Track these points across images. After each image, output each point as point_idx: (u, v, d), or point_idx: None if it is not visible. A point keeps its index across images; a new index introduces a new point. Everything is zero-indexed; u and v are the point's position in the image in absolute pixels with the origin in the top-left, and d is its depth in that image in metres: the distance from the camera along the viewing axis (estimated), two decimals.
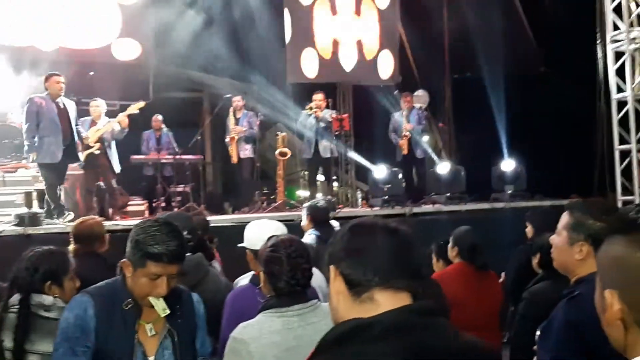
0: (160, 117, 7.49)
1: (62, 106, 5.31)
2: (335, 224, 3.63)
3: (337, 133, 7.18)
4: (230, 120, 7.15)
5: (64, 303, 1.99)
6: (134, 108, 6.13)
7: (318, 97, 6.99)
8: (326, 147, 6.91)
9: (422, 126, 7.31)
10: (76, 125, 5.42)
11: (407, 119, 7.21)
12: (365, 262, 1.07)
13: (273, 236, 1.98)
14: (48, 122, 5.18)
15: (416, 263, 1.10)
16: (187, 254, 1.88)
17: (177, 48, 7.25)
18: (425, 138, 7.46)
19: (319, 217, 3.50)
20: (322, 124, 6.87)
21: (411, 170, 7.27)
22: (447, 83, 8.64)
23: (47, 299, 2.03)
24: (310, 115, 6.80)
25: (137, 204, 6.71)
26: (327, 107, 7.02)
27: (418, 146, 7.30)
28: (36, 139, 5.14)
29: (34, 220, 4.69)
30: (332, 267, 1.11)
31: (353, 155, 7.72)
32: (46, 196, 5.25)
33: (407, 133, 7.13)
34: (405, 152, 7.19)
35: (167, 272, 1.68)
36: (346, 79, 8.25)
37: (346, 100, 8.58)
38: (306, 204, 3.74)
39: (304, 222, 3.58)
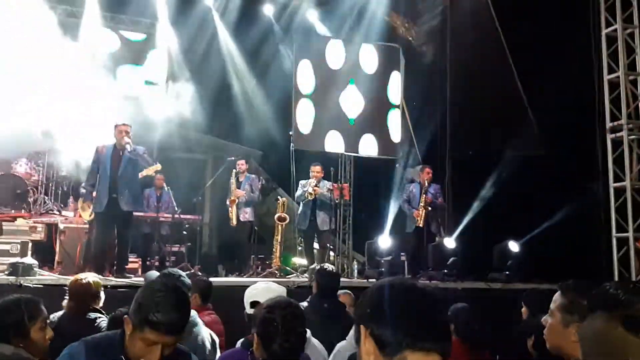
0: (161, 176, 7.65)
1: (120, 154, 5.48)
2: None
3: (337, 201, 7.33)
4: (233, 183, 7.26)
5: (27, 354, 1.94)
6: (151, 170, 6.18)
7: (316, 169, 7.08)
8: (324, 220, 6.98)
9: (439, 201, 7.26)
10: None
11: (425, 192, 7.13)
12: (396, 323, 1.06)
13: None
14: (102, 171, 5.44)
15: (445, 324, 1.10)
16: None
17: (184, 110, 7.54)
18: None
19: (327, 284, 3.32)
20: (321, 199, 6.99)
21: (420, 243, 7.11)
22: (447, 161, 8.82)
23: (8, 349, 1.96)
24: (305, 191, 6.92)
25: (131, 261, 6.63)
26: (326, 178, 7.19)
27: (434, 220, 7.22)
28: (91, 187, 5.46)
29: (27, 270, 4.73)
30: (362, 328, 1.10)
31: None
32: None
33: (425, 205, 7.04)
34: (420, 224, 7.05)
35: (164, 341, 1.66)
36: (349, 150, 8.42)
37: (347, 170, 8.72)
38: (313, 266, 3.59)
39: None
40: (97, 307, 3.04)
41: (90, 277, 3.17)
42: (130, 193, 5.52)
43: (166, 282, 1.79)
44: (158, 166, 6.19)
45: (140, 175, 5.82)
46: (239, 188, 7.24)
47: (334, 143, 8.09)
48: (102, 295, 3.14)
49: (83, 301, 2.93)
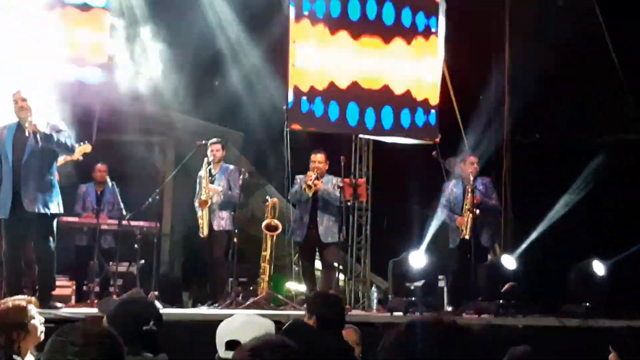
0: (104, 167, 7.68)
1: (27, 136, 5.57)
2: None
3: (348, 203, 7.35)
4: (204, 177, 7.22)
5: None
6: (78, 154, 6.28)
7: (318, 159, 7.16)
8: (329, 229, 7.07)
9: (492, 202, 7.31)
10: None
11: (471, 190, 7.13)
12: None
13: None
14: (4, 160, 5.67)
15: None
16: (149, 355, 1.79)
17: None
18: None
19: (328, 317, 3.38)
20: (324, 199, 7.10)
21: (466, 262, 7.17)
22: (506, 147, 8.86)
23: None
24: (303, 187, 7.02)
25: (60, 286, 6.74)
26: (333, 171, 7.30)
27: (486, 230, 7.27)
28: None
29: None
30: None
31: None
32: None
33: (472, 208, 7.05)
34: (466, 235, 7.09)
35: None
36: (367, 133, 8.51)
37: (364, 160, 8.76)
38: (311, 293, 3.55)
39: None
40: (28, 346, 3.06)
41: (11, 301, 3.24)
42: (38, 188, 5.47)
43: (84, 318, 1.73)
44: (86, 147, 6.21)
45: (58, 162, 5.82)
46: (212, 184, 7.25)
47: (345, 122, 8.21)
48: (38, 325, 3.19)
49: (7, 335, 3.00)
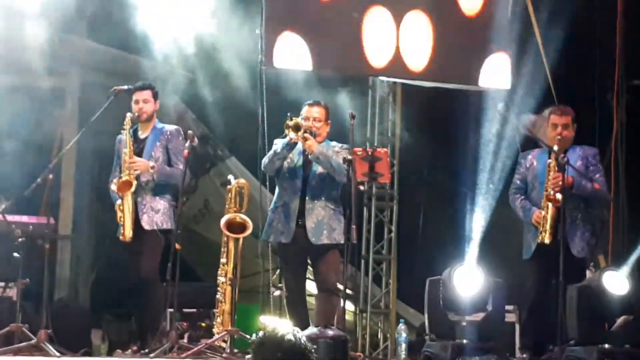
0: None
1: None
2: None
3: (362, 187, 7.43)
4: (126, 142, 7.25)
5: None
6: None
7: (314, 113, 7.28)
8: (325, 222, 7.14)
9: (592, 186, 7.33)
10: None
11: (557, 164, 7.20)
12: None
13: None
14: None
15: None
16: None
17: None
18: None
19: None
20: (318, 171, 7.21)
21: (547, 282, 7.29)
22: (618, 97, 8.94)
23: None
24: (288, 144, 7.11)
25: None
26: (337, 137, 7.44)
27: (580, 232, 7.33)
28: None
29: None
30: None
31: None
32: None
33: (555, 197, 7.12)
34: (546, 238, 7.17)
35: None
36: (392, 75, 8.59)
37: (386, 119, 8.93)
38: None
39: None
40: None
41: None
42: None
43: None
44: None
45: None
46: (139, 155, 7.27)
47: (358, 53, 8.43)
48: None
49: None
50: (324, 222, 7.15)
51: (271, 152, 7.31)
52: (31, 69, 8.51)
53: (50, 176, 7.18)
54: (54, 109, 9.19)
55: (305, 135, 6.99)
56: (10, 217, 7.40)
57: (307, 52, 8.42)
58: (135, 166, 7.15)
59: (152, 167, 7.19)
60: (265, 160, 7.37)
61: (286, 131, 7.01)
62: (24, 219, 7.56)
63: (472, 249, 7.47)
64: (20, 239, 7.28)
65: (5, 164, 7.75)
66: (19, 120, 8.11)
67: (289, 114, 7.08)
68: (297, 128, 6.96)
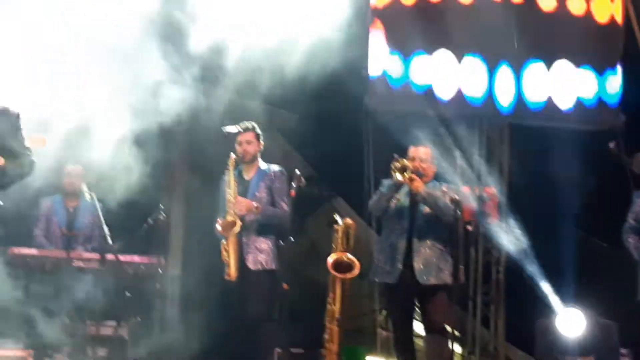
0: (78, 170, 7.85)
1: None
2: None
3: (469, 227, 7.30)
4: (230, 183, 7.28)
5: None
6: (34, 143, 6.38)
7: (420, 153, 7.20)
8: (431, 263, 7.00)
9: None
10: None
11: None
12: None
13: None
14: None
15: None
16: None
17: None
18: None
19: None
20: (425, 212, 7.09)
21: None
22: None
23: None
24: (394, 185, 7.02)
25: (9, 355, 7.01)
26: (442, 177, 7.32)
27: None
28: None
29: None
30: None
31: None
32: None
33: None
34: None
35: None
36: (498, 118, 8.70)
37: (495, 158, 8.90)
38: None
39: None
40: None
41: None
42: None
43: None
44: (40, 139, 6.44)
45: None
46: (244, 195, 7.27)
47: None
48: None
49: None
50: (432, 263, 6.98)
51: (378, 193, 7.24)
52: (145, 112, 8.47)
53: (161, 216, 7.38)
54: (165, 151, 9.07)
55: (412, 176, 6.88)
56: (122, 257, 7.50)
57: None
58: (239, 206, 7.15)
59: (256, 208, 7.17)
60: (371, 201, 7.31)
61: (393, 173, 6.90)
62: (136, 258, 7.62)
63: (582, 290, 7.28)
64: (131, 279, 7.50)
65: (119, 206, 7.83)
66: (129, 163, 8.09)
67: (395, 156, 6.98)
68: (403, 170, 6.87)
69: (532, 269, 8.33)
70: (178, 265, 9.38)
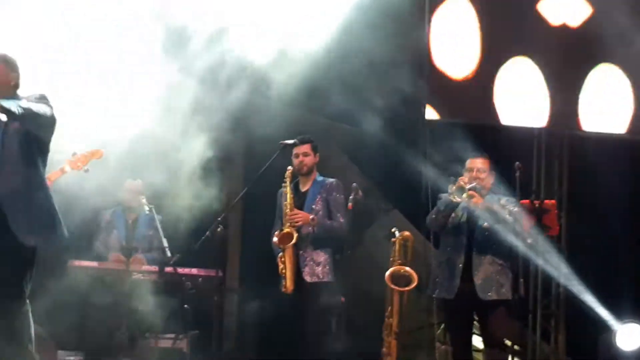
0: (137, 185, 7.89)
1: None
2: None
3: (528, 240, 7.08)
4: (287, 196, 7.28)
5: None
6: (88, 157, 6.61)
7: (478, 164, 7.09)
8: (491, 279, 6.89)
9: None
10: None
11: None
12: None
13: None
14: None
15: None
16: None
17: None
18: None
19: None
20: (483, 227, 6.95)
21: None
22: None
23: None
24: (449, 196, 6.86)
25: None
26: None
27: None
28: None
29: None
30: None
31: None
32: None
33: None
34: None
35: None
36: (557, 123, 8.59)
37: (555, 171, 8.80)
38: None
39: None
40: None
41: None
42: (25, 207, 5.34)
43: None
44: (98, 151, 6.51)
45: (48, 178, 5.84)
46: (300, 207, 7.26)
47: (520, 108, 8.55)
48: None
49: None
50: (492, 278, 6.87)
51: (435, 209, 7.12)
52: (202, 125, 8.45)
53: (219, 229, 7.18)
54: (222, 170, 9.04)
55: (471, 192, 6.75)
56: (181, 270, 7.54)
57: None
58: (296, 218, 7.13)
59: (312, 220, 7.15)
60: (429, 217, 7.18)
61: (451, 197, 6.79)
62: (194, 271, 7.63)
63: None
64: (190, 291, 7.49)
65: (177, 219, 7.83)
66: (188, 177, 8.10)
67: (451, 178, 6.88)
68: (462, 190, 6.75)
69: (594, 281, 8.23)
70: (235, 278, 9.37)
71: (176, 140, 7.92)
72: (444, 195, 7.05)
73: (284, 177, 7.29)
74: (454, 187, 6.76)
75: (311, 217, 7.17)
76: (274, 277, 7.36)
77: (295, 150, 7.31)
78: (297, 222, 7.16)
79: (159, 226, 7.65)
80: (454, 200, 6.76)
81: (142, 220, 7.96)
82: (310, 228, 7.19)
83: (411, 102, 8.23)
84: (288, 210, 7.19)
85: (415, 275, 7.30)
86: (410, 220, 8.54)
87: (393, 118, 8.28)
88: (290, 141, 7.34)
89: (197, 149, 7.92)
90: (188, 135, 7.88)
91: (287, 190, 7.27)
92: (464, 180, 6.78)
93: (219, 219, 7.28)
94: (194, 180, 8.03)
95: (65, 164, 6.59)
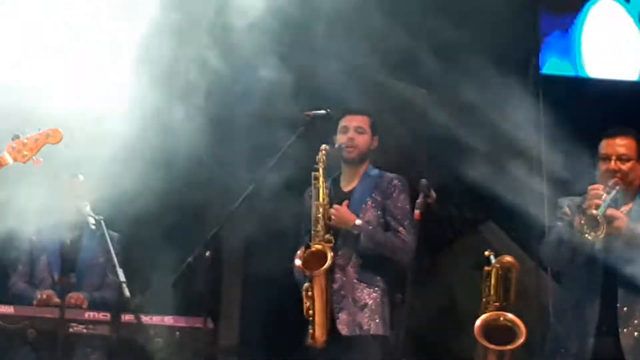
0: (77, 182, 6.65)
1: None
2: None
3: None
4: (318, 193, 6.03)
5: None
6: (40, 141, 5.62)
7: (619, 148, 5.92)
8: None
9: None
10: None
11: None
12: None
13: None
14: None
15: None
16: None
17: None
18: None
19: None
20: (626, 260, 5.86)
21: None
22: None
23: None
24: (581, 210, 5.66)
25: None
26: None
27: None
28: None
29: None
30: None
31: None
32: None
33: None
34: None
35: None
36: None
37: None
38: None
39: None
40: None
41: None
42: None
43: None
44: (54, 133, 5.56)
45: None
46: (341, 209, 6.13)
47: None
48: None
49: None
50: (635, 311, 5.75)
51: (555, 236, 5.90)
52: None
53: (207, 253, 5.75)
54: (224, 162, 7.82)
55: (609, 213, 5.32)
56: (146, 318, 5.97)
57: None
58: (335, 214, 5.73)
59: (357, 225, 5.72)
60: (545, 246, 5.92)
61: (579, 233, 5.40)
62: (169, 320, 6.10)
63: None
64: (160, 351, 5.93)
65: (142, 238, 6.69)
66: (153, 174, 6.61)
67: (574, 200, 5.77)
68: (593, 223, 5.40)
69: None
70: (234, 330, 8.15)
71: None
72: (566, 200, 5.70)
73: (316, 162, 5.90)
74: (582, 220, 5.38)
75: (357, 222, 5.74)
76: (293, 327, 6.12)
77: (343, 122, 5.98)
78: (337, 221, 5.72)
79: (111, 249, 6.04)
80: (584, 239, 5.41)
81: (86, 240, 6.41)
82: (353, 240, 5.76)
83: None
84: (320, 213, 5.77)
85: (522, 327, 5.78)
86: (514, 239, 7.70)
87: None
88: (322, 111, 5.98)
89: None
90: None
91: (320, 182, 5.89)
92: (595, 201, 5.34)
93: (208, 236, 5.95)
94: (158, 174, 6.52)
95: (4, 152, 5.50)
